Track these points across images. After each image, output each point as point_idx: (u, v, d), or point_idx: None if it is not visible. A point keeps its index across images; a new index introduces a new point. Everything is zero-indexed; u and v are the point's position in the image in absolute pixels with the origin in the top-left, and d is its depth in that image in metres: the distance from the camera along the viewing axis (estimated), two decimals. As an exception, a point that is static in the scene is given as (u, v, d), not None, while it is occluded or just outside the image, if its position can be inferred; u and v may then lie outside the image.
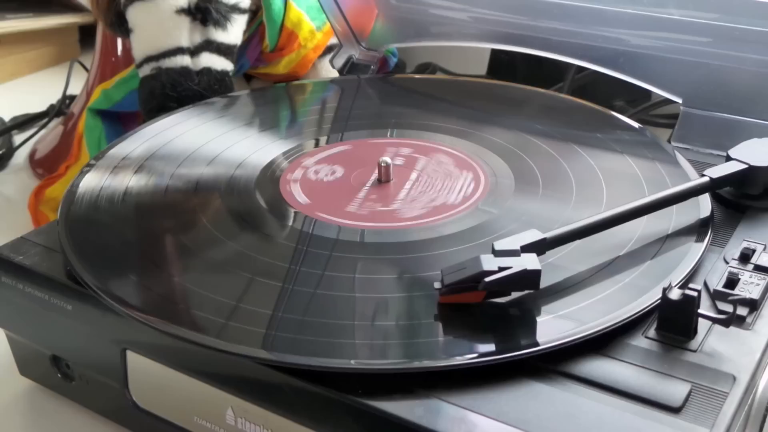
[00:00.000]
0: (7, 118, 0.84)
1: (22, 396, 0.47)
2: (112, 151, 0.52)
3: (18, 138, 0.81)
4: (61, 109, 0.81)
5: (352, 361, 0.35)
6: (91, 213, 0.46)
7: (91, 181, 0.49)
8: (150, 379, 0.40)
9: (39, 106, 0.84)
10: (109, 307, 0.39)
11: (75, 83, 0.83)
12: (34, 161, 0.76)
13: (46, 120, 0.80)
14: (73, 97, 0.81)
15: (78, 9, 1.01)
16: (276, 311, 0.38)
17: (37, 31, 1.00)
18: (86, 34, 1.02)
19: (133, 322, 0.38)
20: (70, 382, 0.45)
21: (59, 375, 0.45)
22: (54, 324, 0.43)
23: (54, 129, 0.78)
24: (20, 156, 0.78)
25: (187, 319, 0.38)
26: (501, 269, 0.37)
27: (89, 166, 0.50)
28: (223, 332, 0.37)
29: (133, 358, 0.40)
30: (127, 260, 0.43)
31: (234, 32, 0.63)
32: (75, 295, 0.41)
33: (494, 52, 0.79)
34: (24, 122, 0.83)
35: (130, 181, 0.49)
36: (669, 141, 0.54)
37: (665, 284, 0.37)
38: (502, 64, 0.78)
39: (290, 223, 0.45)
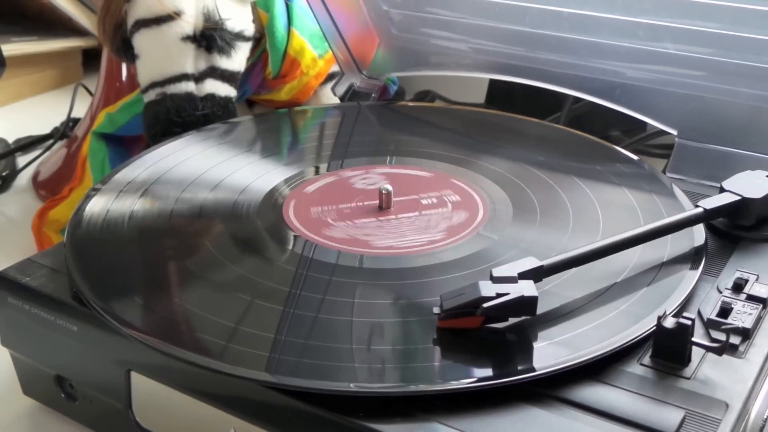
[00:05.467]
0: (10, 140, 0.85)
1: (25, 416, 0.48)
2: (118, 176, 0.53)
3: (21, 160, 0.81)
4: (64, 132, 0.82)
5: (352, 385, 0.36)
6: (97, 236, 0.47)
7: (97, 205, 0.49)
8: (153, 399, 0.41)
9: (42, 128, 0.85)
10: (113, 328, 0.40)
11: (79, 107, 0.84)
12: (37, 183, 0.77)
13: (50, 143, 0.81)
14: (76, 120, 0.82)
15: (82, 33, 1.02)
16: (278, 334, 0.39)
17: (41, 54, 1.01)
18: (89, 58, 1.04)
19: (137, 343, 0.39)
20: (73, 402, 0.46)
21: (63, 395, 0.46)
22: (59, 344, 0.43)
23: (57, 151, 0.79)
24: (24, 178, 0.79)
25: (190, 342, 0.39)
26: (499, 295, 0.38)
27: (95, 190, 0.51)
28: (226, 354, 0.38)
29: (137, 379, 0.41)
30: (132, 283, 0.44)
31: (238, 59, 0.64)
32: (80, 316, 0.42)
33: (493, 81, 0.80)
34: (27, 144, 0.83)
35: (135, 204, 0.50)
36: (664, 171, 0.55)
37: (660, 312, 0.37)
38: (500, 94, 0.79)
39: (291, 247, 0.46)
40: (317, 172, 0.55)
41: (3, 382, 0.50)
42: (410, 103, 0.75)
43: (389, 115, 0.67)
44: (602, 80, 0.60)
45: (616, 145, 0.59)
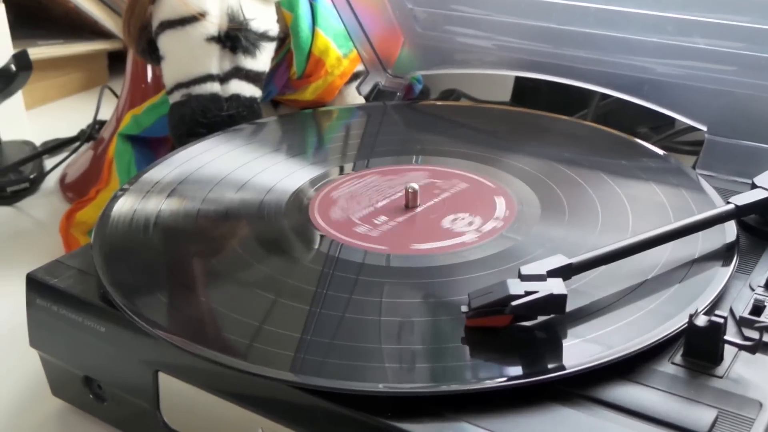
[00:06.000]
0: (38, 142, 0.85)
1: (54, 416, 0.48)
2: (144, 177, 0.53)
3: (49, 162, 0.82)
4: (91, 134, 0.82)
5: (381, 385, 0.35)
6: (124, 237, 0.47)
7: (124, 206, 0.50)
8: (181, 400, 0.41)
9: (69, 131, 0.86)
10: (141, 329, 0.40)
11: (105, 109, 0.84)
12: (64, 185, 0.78)
13: (76, 145, 0.82)
14: (103, 123, 0.82)
15: (107, 36, 1.02)
16: (305, 334, 0.39)
17: (67, 58, 1.02)
18: (115, 61, 1.04)
19: (165, 344, 0.39)
20: (101, 403, 0.46)
21: (91, 396, 0.46)
22: (87, 345, 0.44)
23: (84, 154, 0.80)
24: (51, 180, 0.80)
25: (217, 342, 0.39)
26: (527, 293, 0.37)
27: (122, 191, 0.51)
28: (253, 354, 0.38)
29: (164, 379, 0.41)
30: (159, 283, 0.44)
31: (262, 59, 0.64)
32: (108, 317, 0.42)
33: (518, 79, 0.80)
34: (54, 147, 0.84)
35: (162, 205, 0.50)
36: (694, 168, 0.54)
37: (691, 310, 0.37)
38: (526, 91, 0.79)
39: (316, 247, 0.46)
40: (342, 171, 0.55)
41: (32, 383, 0.50)
42: (436, 102, 0.75)
43: (415, 115, 0.66)
44: (630, 76, 0.59)
45: (645, 141, 0.58)
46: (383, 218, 0.49)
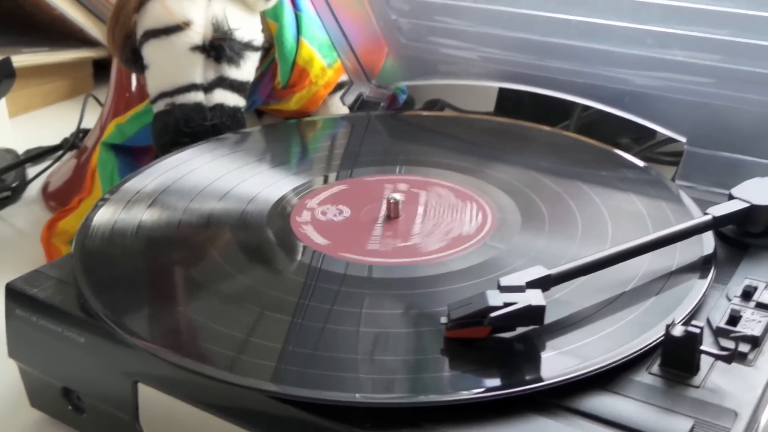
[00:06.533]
0: (20, 151, 0.85)
1: (32, 428, 0.48)
2: (126, 186, 0.53)
3: (31, 171, 0.82)
4: (74, 142, 0.82)
5: (358, 395, 0.35)
6: (105, 246, 0.47)
7: (105, 215, 0.50)
8: (161, 411, 0.41)
9: (52, 139, 0.85)
10: (121, 339, 0.40)
11: (89, 117, 0.84)
12: (47, 194, 0.77)
13: (59, 153, 0.81)
14: (86, 131, 0.82)
15: (93, 44, 1.02)
16: (285, 345, 0.39)
17: (51, 65, 1.01)
18: (100, 69, 1.04)
19: (145, 354, 0.39)
20: (80, 415, 0.46)
21: (70, 407, 0.46)
22: (66, 356, 0.44)
23: (67, 162, 0.80)
24: (33, 189, 0.79)
25: (197, 352, 0.39)
26: (506, 305, 0.37)
27: (103, 200, 0.51)
28: (233, 365, 0.38)
29: (144, 390, 0.41)
30: (140, 293, 0.44)
31: (247, 69, 0.64)
32: (88, 327, 0.42)
33: (502, 89, 0.80)
34: (37, 155, 0.84)
35: (144, 215, 0.50)
36: (673, 179, 0.55)
37: (668, 321, 0.37)
38: (509, 102, 0.79)
39: (298, 257, 0.46)
40: (326, 181, 0.55)
41: (10, 394, 0.50)
42: (420, 112, 0.75)
43: (398, 125, 0.67)
44: (611, 88, 0.59)
45: (626, 152, 0.58)
46: (366, 228, 0.49)
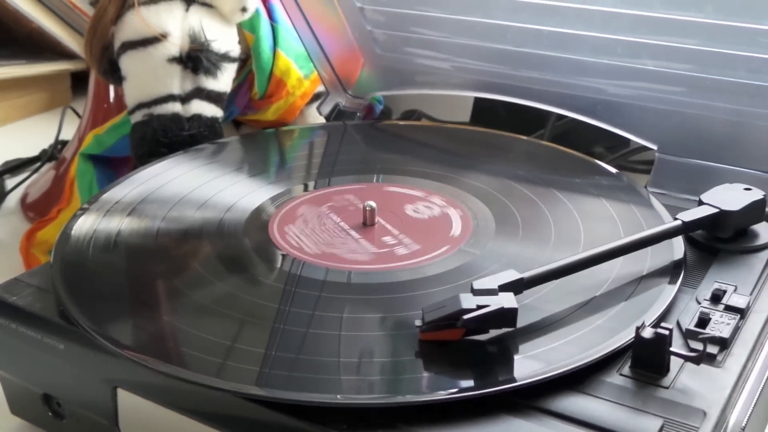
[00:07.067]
0: (-1, 162, 0.85)
1: (12, 435, 0.48)
2: (105, 196, 0.53)
3: (10, 182, 0.82)
4: (53, 154, 0.83)
5: (338, 396, 0.36)
6: (84, 255, 0.47)
7: (84, 224, 0.50)
8: (140, 416, 0.41)
9: (31, 151, 0.86)
10: (100, 345, 0.40)
11: (67, 129, 0.84)
12: (25, 205, 0.78)
13: (38, 165, 0.82)
14: (65, 143, 0.82)
15: (70, 56, 1.02)
16: (263, 350, 0.39)
17: (29, 78, 1.01)
18: (78, 81, 1.04)
19: (124, 360, 0.39)
20: (60, 421, 0.46)
21: (50, 413, 0.46)
22: (46, 363, 0.44)
23: (46, 173, 0.80)
24: (12, 200, 0.79)
25: (175, 357, 0.39)
26: (479, 307, 0.38)
27: (82, 210, 0.52)
28: (212, 370, 0.38)
29: (123, 396, 0.41)
30: (119, 301, 0.44)
31: (224, 80, 0.64)
32: (67, 334, 0.42)
33: (477, 99, 0.81)
34: (16, 167, 0.84)
35: (122, 224, 0.50)
36: (646, 186, 0.56)
37: (639, 324, 0.38)
38: (485, 112, 0.80)
39: (277, 265, 0.47)
40: (304, 189, 0.56)
41: (-10, 401, 0.50)
42: (396, 122, 0.76)
43: (375, 134, 0.67)
44: (583, 97, 0.60)
45: (599, 160, 0.59)
46: (342, 235, 0.49)
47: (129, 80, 0.63)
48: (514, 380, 0.36)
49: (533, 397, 0.36)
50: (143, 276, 0.47)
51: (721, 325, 0.40)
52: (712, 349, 0.39)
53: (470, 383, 0.37)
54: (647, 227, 0.47)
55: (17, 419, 0.48)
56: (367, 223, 0.51)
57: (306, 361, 0.38)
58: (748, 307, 0.42)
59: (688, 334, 0.40)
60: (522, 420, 0.35)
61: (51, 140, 0.84)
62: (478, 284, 0.40)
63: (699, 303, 0.42)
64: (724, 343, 0.39)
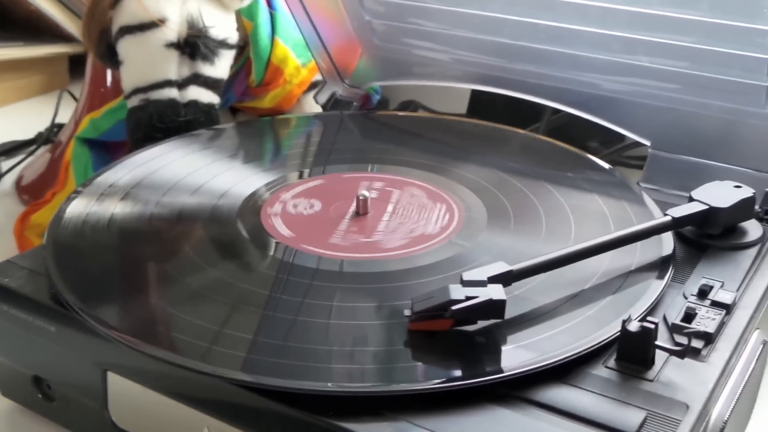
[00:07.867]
0: (-5, 144, 0.85)
1: (2, 417, 0.48)
2: (99, 179, 0.54)
3: (5, 164, 0.82)
4: (48, 137, 0.83)
5: (329, 384, 0.36)
6: (77, 238, 0.47)
7: (78, 207, 0.50)
8: (129, 399, 0.42)
9: (27, 133, 0.86)
10: (91, 328, 0.40)
11: (63, 112, 0.84)
12: (20, 187, 0.78)
13: (33, 147, 0.82)
14: (61, 126, 0.83)
15: (69, 39, 1.02)
16: (253, 336, 0.40)
17: (27, 60, 1.01)
18: (76, 64, 1.04)
19: (114, 343, 0.40)
20: (50, 403, 0.46)
21: (40, 396, 0.46)
22: (37, 345, 0.44)
23: (41, 156, 0.80)
24: (7, 182, 0.79)
25: (166, 341, 0.39)
26: (468, 298, 0.38)
27: (76, 193, 0.52)
28: (202, 354, 0.38)
29: (113, 379, 0.42)
30: (111, 284, 0.44)
31: (221, 67, 0.64)
32: (58, 316, 0.43)
33: (474, 91, 0.81)
34: (11, 149, 0.84)
35: (116, 208, 0.50)
36: (638, 182, 0.56)
37: (625, 317, 0.38)
38: (481, 104, 0.80)
39: (269, 252, 0.47)
40: (300, 176, 0.56)
41: (-19, 382, 0.50)
42: (392, 113, 0.76)
43: (370, 124, 0.68)
44: (578, 91, 0.61)
45: (593, 155, 0.60)
46: (336, 224, 0.50)
47: (126, 65, 0.63)
48: (501, 371, 0.37)
49: (519, 388, 0.37)
50: (135, 260, 0.47)
51: (706, 320, 0.41)
52: (697, 344, 0.39)
53: (458, 373, 0.37)
54: (638, 223, 0.47)
55: (7, 401, 0.49)
56: (360, 213, 0.51)
57: (295, 348, 0.39)
58: (734, 303, 0.42)
59: (673, 329, 0.40)
60: (507, 410, 0.36)
61: (47, 123, 0.84)
62: (467, 275, 0.40)
63: (686, 298, 0.43)
64: (708, 338, 0.40)
